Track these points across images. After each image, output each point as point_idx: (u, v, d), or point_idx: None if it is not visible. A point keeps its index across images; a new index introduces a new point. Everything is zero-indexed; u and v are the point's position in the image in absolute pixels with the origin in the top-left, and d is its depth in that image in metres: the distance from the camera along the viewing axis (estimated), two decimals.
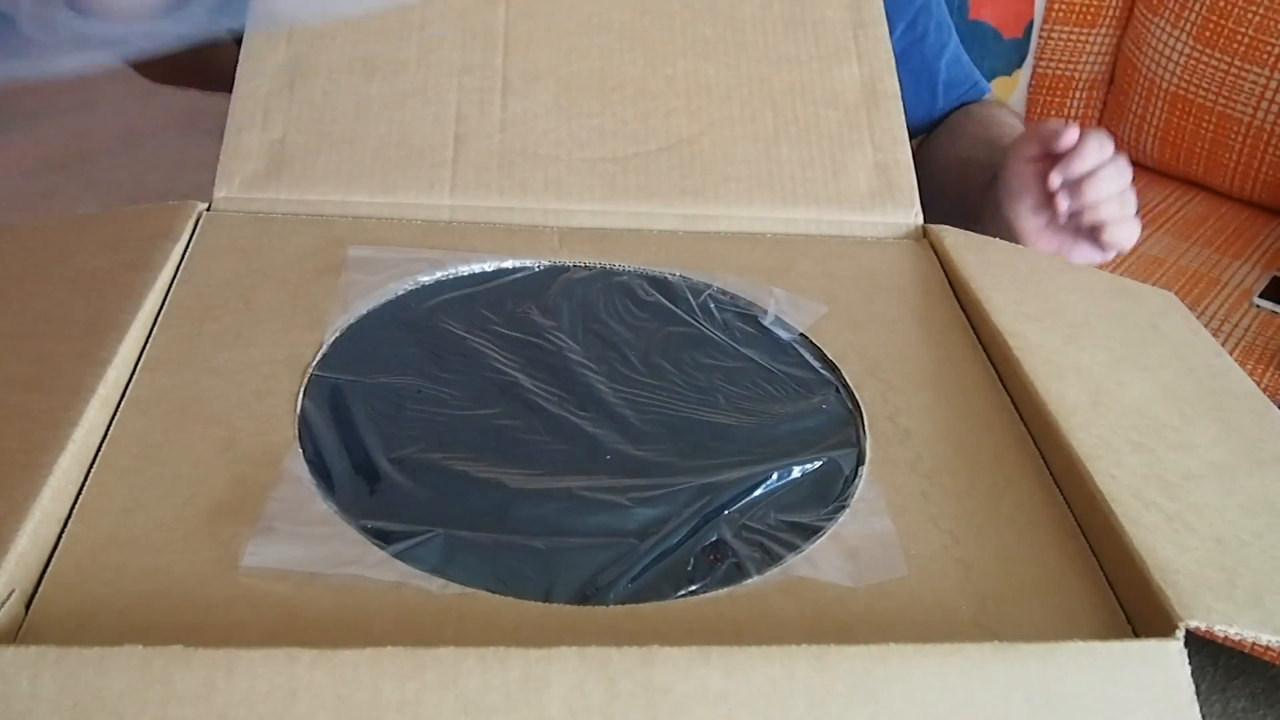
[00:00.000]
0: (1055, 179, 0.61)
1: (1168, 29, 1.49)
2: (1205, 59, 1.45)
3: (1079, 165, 0.60)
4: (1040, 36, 1.58)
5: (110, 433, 0.40)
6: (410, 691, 0.29)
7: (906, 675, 0.31)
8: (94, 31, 0.53)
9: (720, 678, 0.30)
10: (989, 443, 0.43)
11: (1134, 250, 1.41)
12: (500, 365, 0.46)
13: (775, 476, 0.41)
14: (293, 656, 0.30)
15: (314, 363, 0.45)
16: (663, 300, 0.51)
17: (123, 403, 0.41)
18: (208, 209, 0.54)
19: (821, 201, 0.57)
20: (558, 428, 0.43)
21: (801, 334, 0.49)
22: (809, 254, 0.55)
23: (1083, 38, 1.58)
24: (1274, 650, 1.17)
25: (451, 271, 0.51)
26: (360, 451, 0.41)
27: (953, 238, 0.56)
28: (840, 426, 0.44)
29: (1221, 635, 0.33)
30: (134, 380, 0.42)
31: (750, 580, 0.36)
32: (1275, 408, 0.46)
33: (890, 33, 0.64)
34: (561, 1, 0.62)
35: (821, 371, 0.48)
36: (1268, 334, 1.25)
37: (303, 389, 0.43)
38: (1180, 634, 0.33)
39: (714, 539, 0.38)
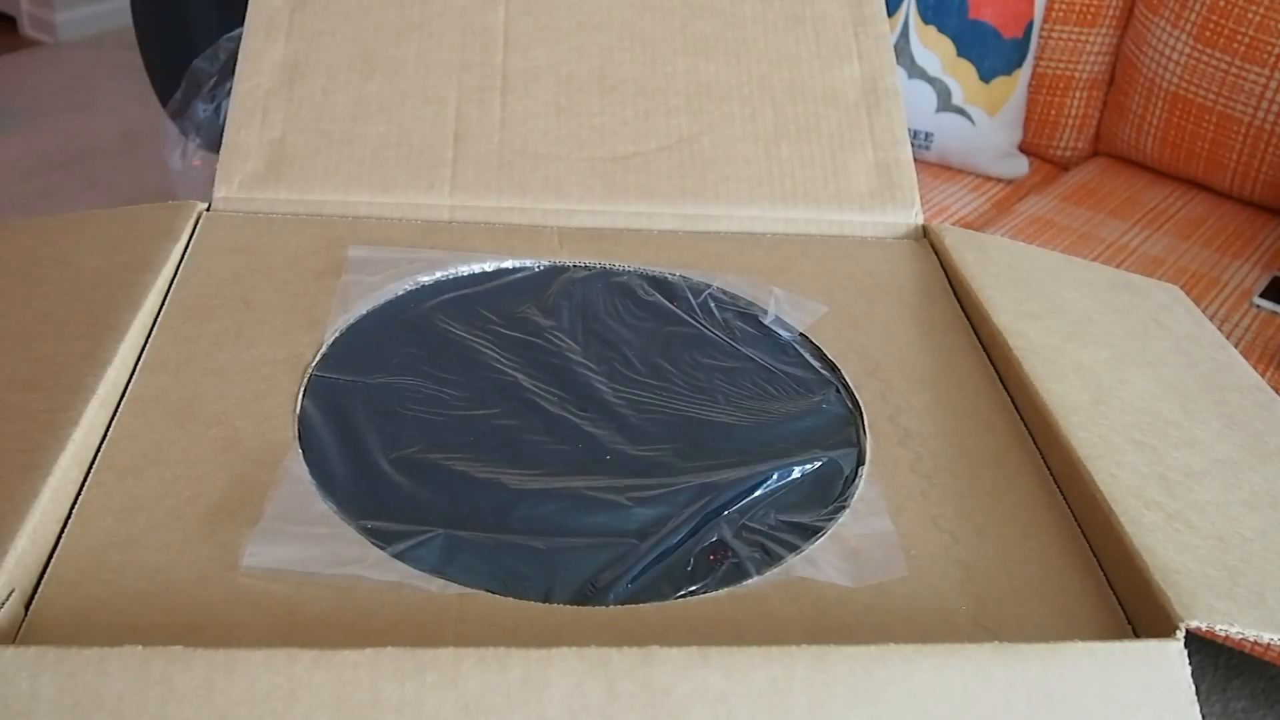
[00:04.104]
0: None
1: (1168, 29, 1.49)
2: (1205, 59, 1.45)
3: None
4: (1040, 36, 1.58)
5: (110, 433, 0.40)
6: (410, 691, 0.29)
7: (906, 675, 0.31)
8: None
9: (720, 678, 0.30)
10: (989, 443, 0.43)
11: (1134, 250, 1.40)
12: (500, 365, 0.46)
13: (775, 476, 0.41)
14: (293, 657, 0.30)
15: (314, 363, 0.44)
16: (663, 300, 0.51)
17: (122, 403, 0.41)
18: (207, 209, 0.54)
19: (821, 201, 0.57)
20: (558, 428, 0.43)
21: (801, 334, 0.49)
22: (809, 254, 0.55)
23: (1083, 38, 1.58)
24: (1274, 650, 1.17)
25: (451, 271, 0.51)
26: (360, 451, 0.41)
27: (953, 237, 0.56)
28: (840, 426, 0.44)
29: (1222, 635, 0.33)
30: (134, 380, 0.42)
31: (750, 580, 0.36)
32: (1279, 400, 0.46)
33: None
34: None
35: (821, 371, 0.48)
36: (1268, 334, 1.25)
37: (303, 389, 0.43)
38: (1180, 634, 0.33)
39: (714, 539, 0.38)
